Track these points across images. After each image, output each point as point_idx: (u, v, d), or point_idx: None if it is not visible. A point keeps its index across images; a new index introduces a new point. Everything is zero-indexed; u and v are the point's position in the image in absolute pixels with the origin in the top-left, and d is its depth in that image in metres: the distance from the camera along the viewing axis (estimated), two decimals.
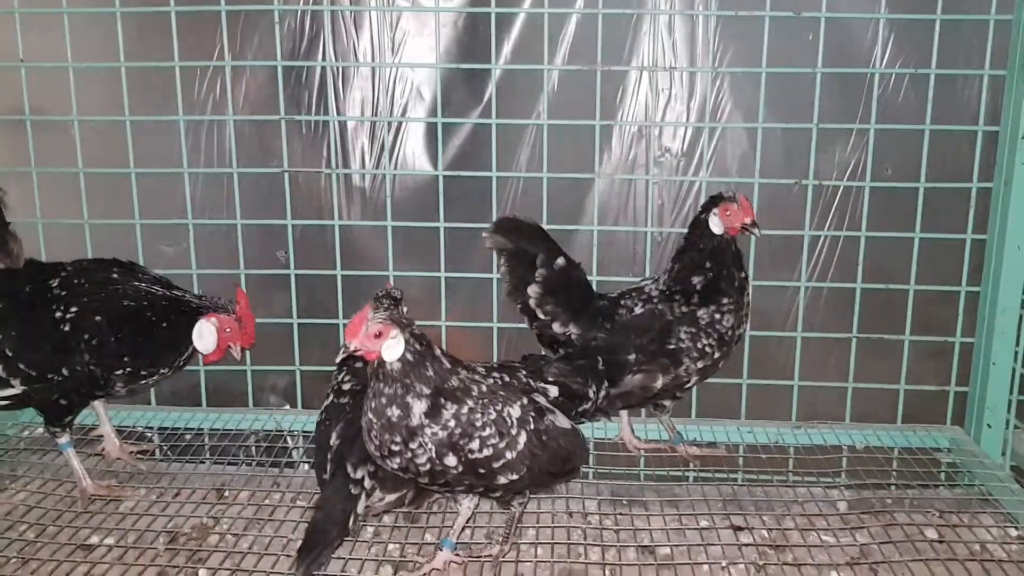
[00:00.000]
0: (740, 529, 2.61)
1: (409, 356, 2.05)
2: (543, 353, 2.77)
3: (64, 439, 2.76)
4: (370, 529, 2.62)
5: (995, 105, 3.03)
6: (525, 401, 2.22)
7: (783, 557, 2.45)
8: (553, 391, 2.34)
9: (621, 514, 2.71)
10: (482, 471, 2.13)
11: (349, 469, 2.29)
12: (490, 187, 3.18)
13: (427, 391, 2.07)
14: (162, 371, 2.74)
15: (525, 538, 2.55)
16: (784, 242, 3.14)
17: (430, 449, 2.07)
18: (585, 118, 3.13)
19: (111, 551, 2.47)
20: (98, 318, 2.60)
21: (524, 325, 2.94)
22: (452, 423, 2.08)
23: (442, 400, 2.08)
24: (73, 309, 2.61)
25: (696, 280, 2.79)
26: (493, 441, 2.11)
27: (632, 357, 2.67)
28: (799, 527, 2.62)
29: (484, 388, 2.16)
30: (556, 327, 2.79)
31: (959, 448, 3.11)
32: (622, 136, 3.18)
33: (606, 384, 2.46)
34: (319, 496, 2.34)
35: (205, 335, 2.72)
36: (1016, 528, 2.64)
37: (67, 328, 2.58)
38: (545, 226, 3.01)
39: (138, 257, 3.15)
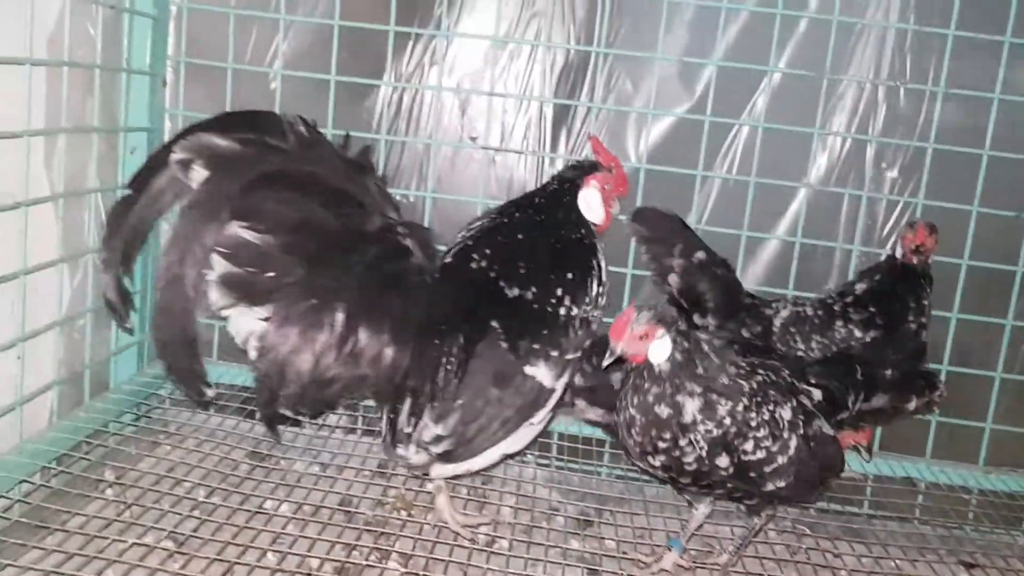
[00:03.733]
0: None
1: (678, 356, 1.94)
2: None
3: None
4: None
5: None
6: (795, 403, 2.10)
7: None
8: (817, 394, 2.21)
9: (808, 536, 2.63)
10: (752, 475, 2.02)
11: None
12: (688, 184, 3.08)
13: (698, 389, 1.96)
14: None
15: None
16: (994, 276, 3.00)
17: (701, 448, 1.96)
18: (796, 124, 3.03)
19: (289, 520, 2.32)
20: None
21: None
22: (728, 420, 1.97)
23: (715, 396, 1.97)
24: None
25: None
26: (766, 444, 2.00)
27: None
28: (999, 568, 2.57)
29: (755, 385, 2.04)
30: (696, 318, 2.78)
31: None
32: (838, 147, 3.07)
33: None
34: None
35: (592, 203, 2.38)
36: None
37: None
38: (745, 232, 2.99)
39: None
